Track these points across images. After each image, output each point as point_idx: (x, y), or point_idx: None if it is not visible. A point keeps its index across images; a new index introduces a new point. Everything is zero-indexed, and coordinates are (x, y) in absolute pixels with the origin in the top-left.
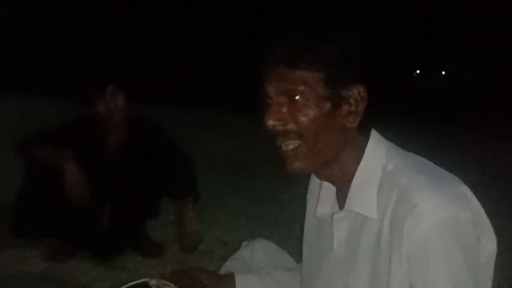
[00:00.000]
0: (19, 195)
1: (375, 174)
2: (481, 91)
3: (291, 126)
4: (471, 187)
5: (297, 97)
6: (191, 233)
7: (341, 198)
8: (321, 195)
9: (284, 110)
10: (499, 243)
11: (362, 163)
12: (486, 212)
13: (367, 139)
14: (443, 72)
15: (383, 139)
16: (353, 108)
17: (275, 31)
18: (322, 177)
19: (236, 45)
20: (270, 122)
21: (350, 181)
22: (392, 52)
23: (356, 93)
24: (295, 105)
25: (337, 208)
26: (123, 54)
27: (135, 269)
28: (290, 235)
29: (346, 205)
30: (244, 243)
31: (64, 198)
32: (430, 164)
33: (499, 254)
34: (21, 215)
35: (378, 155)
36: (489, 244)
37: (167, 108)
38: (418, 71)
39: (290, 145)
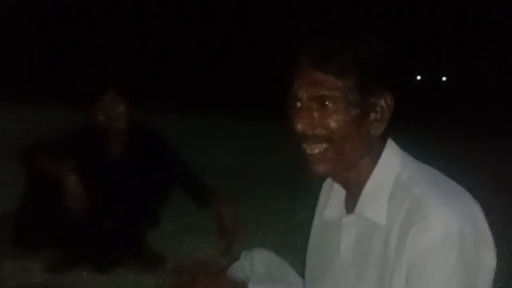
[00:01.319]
0: (20, 205)
1: (388, 182)
2: (482, 95)
3: (320, 130)
4: (472, 190)
5: (328, 103)
6: (228, 229)
7: (350, 203)
8: (330, 198)
9: (315, 115)
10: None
11: (376, 170)
12: (487, 217)
13: (383, 147)
14: (444, 78)
15: (398, 148)
16: (380, 116)
17: (280, 37)
18: (337, 180)
19: (239, 52)
20: (300, 127)
21: (362, 187)
22: (391, 59)
23: (384, 101)
24: (326, 110)
25: (345, 212)
26: (125, 60)
27: (135, 279)
28: (290, 244)
29: (357, 210)
30: (244, 253)
31: (65, 209)
32: (443, 176)
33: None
34: (22, 226)
35: (392, 163)
36: (490, 260)
37: (168, 114)
38: (419, 77)
39: (317, 148)
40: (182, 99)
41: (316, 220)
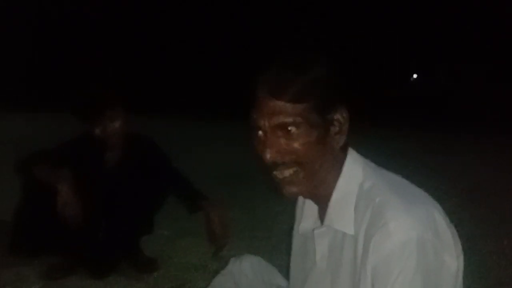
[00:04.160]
0: (17, 213)
1: (352, 192)
2: (479, 95)
3: (289, 157)
4: (464, 190)
5: (292, 129)
6: (217, 233)
7: (323, 215)
8: (304, 211)
9: (281, 142)
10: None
11: (340, 181)
12: (481, 216)
13: (345, 157)
14: (440, 77)
15: (359, 156)
16: (339, 129)
17: (267, 42)
18: (307, 197)
19: (238, 53)
20: (269, 156)
21: (329, 199)
22: (388, 58)
23: (340, 114)
24: (291, 136)
25: (319, 224)
26: (123, 62)
27: (130, 285)
28: (284, 247)
29: (326, 221)
30: (232, 259)
31: (61, 217)
32: (404, 182)
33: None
34: (19, 233)
35: (355, 173)
36: (452, 263)
37: (166, 116)
38: (415, 76)
39: (287, 172)
40: (180, 101)
41: (295, 233)
